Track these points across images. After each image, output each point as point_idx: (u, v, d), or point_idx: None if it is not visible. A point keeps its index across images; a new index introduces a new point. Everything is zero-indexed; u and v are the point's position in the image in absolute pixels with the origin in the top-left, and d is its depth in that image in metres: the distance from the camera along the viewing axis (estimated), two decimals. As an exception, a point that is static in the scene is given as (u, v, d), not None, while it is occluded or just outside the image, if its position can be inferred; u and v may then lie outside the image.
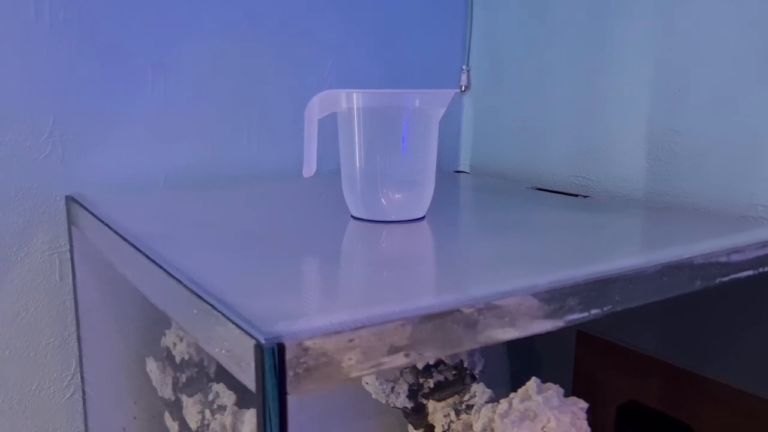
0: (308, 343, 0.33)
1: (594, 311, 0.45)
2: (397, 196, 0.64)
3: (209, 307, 0.38)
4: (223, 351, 0.37)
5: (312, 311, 0.37)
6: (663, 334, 0.79)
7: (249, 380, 0.34)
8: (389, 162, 0.63)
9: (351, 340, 0.35)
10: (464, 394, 0.64)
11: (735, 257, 0.53)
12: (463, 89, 1.07)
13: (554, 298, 0.43)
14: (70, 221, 0.76)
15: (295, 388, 0.33)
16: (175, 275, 0.43)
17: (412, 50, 1.01)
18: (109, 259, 0.63)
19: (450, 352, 0.39)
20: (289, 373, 0.33)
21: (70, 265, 0.78)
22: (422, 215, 0.65)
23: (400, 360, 0.37)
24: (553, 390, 0.54)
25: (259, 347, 0.32)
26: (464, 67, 1.07)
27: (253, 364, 0.33)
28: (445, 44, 1.05)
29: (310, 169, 0.62)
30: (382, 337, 0.36)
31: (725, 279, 0.53)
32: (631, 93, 0.81)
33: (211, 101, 0.85)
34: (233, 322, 0.35)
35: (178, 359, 0.68)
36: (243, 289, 0.42)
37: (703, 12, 0.73)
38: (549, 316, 0.43)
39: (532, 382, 0.55)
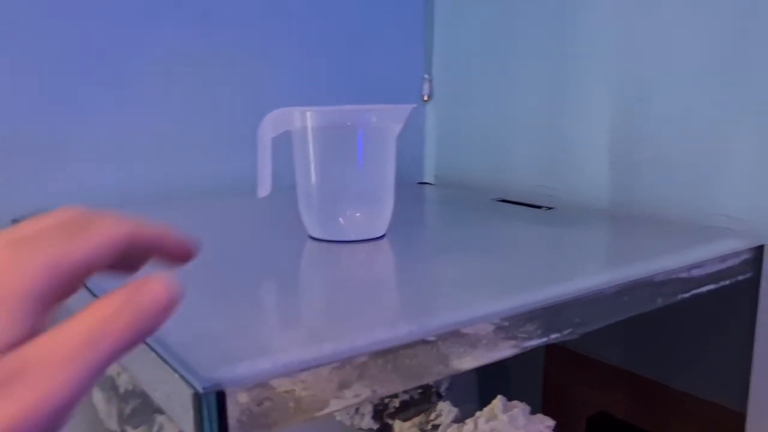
0: (253, 388, 0.31)
1: (553, 336, 0.44)
2: (355, 215, 0.62)
3: (146, 346, 0.36)
4: (163, 395, 0.35)
5: (258, 351, 0.36)
6: (631, 346, 0.79)
7: (188, 428, 0.32)
8: (346, 180, 0.61)
9: (303, 381, 0.33)
10: (430, 413, 0.62)
11: (695, 272, 0.53)
12: (425, 99, 1.06)
13: (512, 324, 0.42)
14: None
15: (237, 437, 0.31)
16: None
17: (373, 60, 1.00)
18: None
19: (408, 386, 0.37)
20: (231, 422, 0.31)
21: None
22: (382, 233, 0.63)
23: (352, 399, 0.35)
24: (519, 408, 0.53)
25: (197, 396, 0.30)
26: (426, 77, 1.05)
27: (191, 414, 0.31)
28: (407, 53, 1.03)
29: (264, 189, 0.60)
30: (332, 378, 0.34)
31: (686, 295, 0.52)
32: (594, 103, 0.80)
33: (165, 118, 0.83)
34: (171, 366, 0.33)
35: (122, 390, 0.65)
36: (185, 325, 0.40)
37: (665, 22, 0.73)
38: (508, 343, 0.42)
39: (498, 401, 0.54)
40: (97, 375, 0.20)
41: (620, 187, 0.79)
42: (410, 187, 0.95)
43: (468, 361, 0.40)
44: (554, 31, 0.85)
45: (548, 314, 0.43)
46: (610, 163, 0.79)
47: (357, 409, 0.69)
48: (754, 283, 0.59)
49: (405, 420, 0.67)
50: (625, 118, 0.77)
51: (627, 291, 0.48)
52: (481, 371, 0.90)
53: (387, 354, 0.36)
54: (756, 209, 0.66)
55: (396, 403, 0.68)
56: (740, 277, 0.57)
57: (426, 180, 1.05)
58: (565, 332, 0.44)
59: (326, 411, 0.34)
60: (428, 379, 0.38)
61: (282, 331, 0.41)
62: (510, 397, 0.77)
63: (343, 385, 0.35)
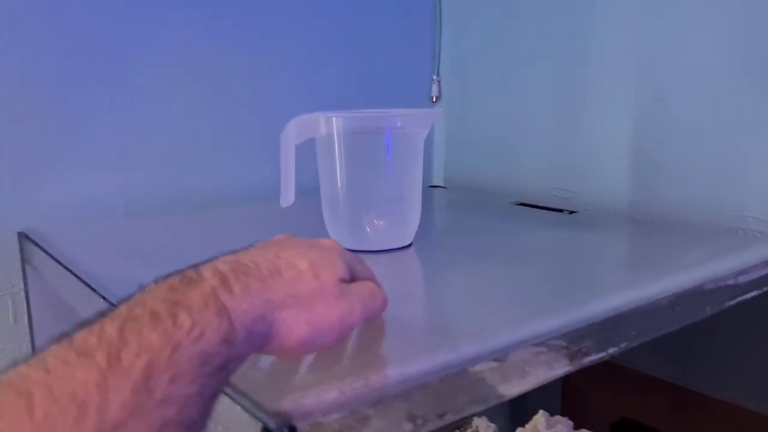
0: (322, 420, 0.29)
1: (611, 350, 0.42)
2: (382, 223, 0.60)
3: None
4: (221, 429, 0.32)
5: (314, 380, 0.33)
6: (654, 350, 0.78)
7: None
8: (373, 188, 0.59)
9: (367, 414, 0.31)
10: (466, 429, 0.60)
11: (741, 279, 0.52)
12: (434, 100, 1.04)
13: (570, 342, 0.40)
14: (24, 259, 0.70)
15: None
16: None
17: (382, 62, 0.97)
18: (67, 301, 0.57)
19: (471, 411, 0.35)
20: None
21: (25, 305, 0.72)
22: (409, 242, 0.62)
23: (422, 428, 0.33)
24: (563, 424, 0.52)
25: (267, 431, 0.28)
26: (434, 77, 1.03)
27: (259, 450, 0.29)
28: (415, 54, 1.01)
29: (288, 198, 0.58)
30: (400, 406, 0.32)
31: (732, 302, 0.51)
32: (613, 104, 0.79)
33: (172, 125, 0.80)
34: (233, 400, 0.31)
35: None
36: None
37: (684, 21, 0.72)
38: (566, 362, 0.40)
39: (541, 417, 0.52)
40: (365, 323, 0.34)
41: (640, 189, 0.77)
42: (423, 191, 0.93)
43: (528, 382, 0.38)
44: (569, 31, 0.83)
45: (605, 328, 0.41)
46: (630, 165, 0.78)
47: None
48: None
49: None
50: (645, 119, 0.76)
51: (680, 301, 0.46)
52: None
53: (452, 379, 0.34)
54: (786, 211, 0.65)
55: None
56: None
57: (435, 183, 1.03)
58: (622, 345, 0.43)
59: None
60: (492, 402, 0.36)
61: (331, 356, 0.38)
62: (530, 403, 0.75)
63: (410, 417, 0.33)
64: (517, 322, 0.41)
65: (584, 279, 0.50)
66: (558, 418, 0.52)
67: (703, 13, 0.70)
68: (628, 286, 0.47)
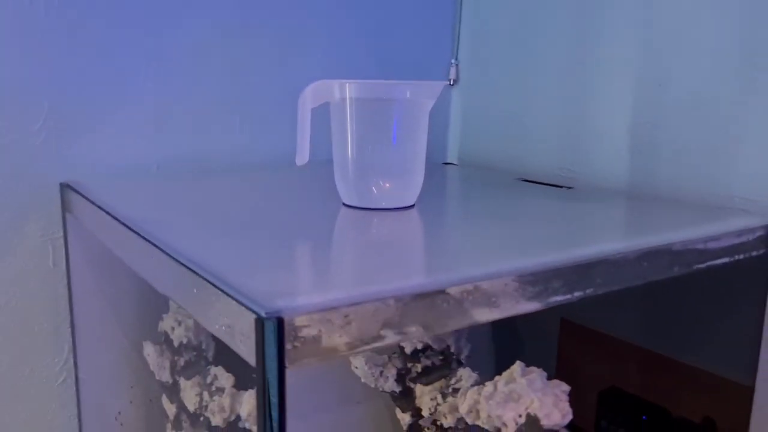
0: (305, 318, 0.35)
1: (577, 293, 0.47)
2: (387, 184, 0.65)
3: (209, 284, 0.40)
4: (223, 327, 0.38)
5: (308, 289, 0.39)
6: (643, 322, 0.82)
7: (249, 354, 0.35)
8: (380, 151, 0.65)
9: (346, 316, 0.36)
10: (451, 378, 0.66)
11: (712, 245, 0.56)
12: (452, 83, 1.09)
13: (539, 280, 0.45)
14: (65, 208, 0.77)
15: (292, 361, 0.35)
16: (174, 256, 0.45)
17: (402, 43, 1.03)
18: (106, 244, 0.64)
19: (439, 331, 0.41)
20: (287, 347, 0.34)
21: (63, 251, 0.79)
22: (412, 203, 0.67)
23: (390, 338, 0.38)
24: (537, 373, 0.56)
25: (259, 321, 0.34)
26: (453, 61, 1.08)
27: (253, 338, 0.34)
28: (435, 38, 1.06)
29: (303, 157, 0.64)
30: (376, 314, 0.38)
31: (702, 265, 0.55)
32: (615, 87, 0.83)
33: (202, 91, 0.86)
34: (233, 298, 0.36)
35: (176, 343, 0.69)
36: (241, 268, 0.44)
37: (685, 6, 0.75)
38: (533, 297, 0.45)
39: (517, 366, 0.57)
40: None
41: (638, 170, 0.81)
42: (435, 167, 0.99)
43: (496, 312, 0.43)
44: (578, 18, 0.87)
45: (573, 272, 0.46)
46: (629, 147, 0.82)
47: (381, 372, 0.72)
48: (766, 260, 0.62)
49: (426, 384, 0.70)
50: (644, 102, 0.80)
51: (647, 257, 0.51)
52: (499, 343, 0.94)
53: (425, 297, 0.40)
54: (771, 192, 0.69)
55: (418, 368, 0.72)
56: (754, 253, 0.60)
57: (450, 161, 1.09)
58: (588, 291, 0.47)
59: (371, 346, 0.38)
60: (460, 325, 0.41)
61: (327, 274, 0.44)
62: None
63: (384, 325, 0.38)
64: (495, 262, 0.46)
65: (566, 237, 0.55)
66: (533, 368, 0.56)
67: (703, 1, 0.74)
68: (600, 241, 0.52)
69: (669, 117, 0.78)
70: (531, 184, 0.83)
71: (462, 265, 0.46)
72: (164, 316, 0.74)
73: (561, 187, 0.81)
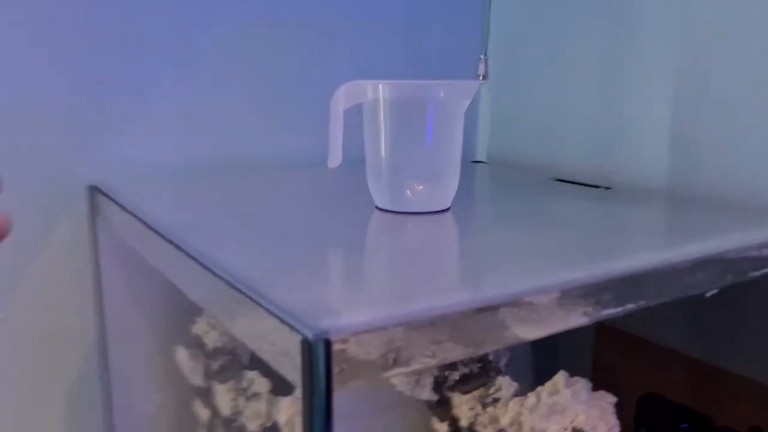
0: (353, 339, 0.33)
1: (629, 306, 0.45)
2: (421, 187, 0.64)
3: (248, 299, 0.38)
4: (266, 345, 0.37)
5: (351, 306, 0.37)
6: (682, 327, 0.79)
7: (293, 374, 0.34)
8: (414, 154, 0.63)
9: (393, 337, 0.35)
10: (490, 387, 0.64)
11: (766, 251, 0.53)
12: (481, 78, 1.06)
13: (589, 293, 0.43)
14: (94, 211, 0.76)
15: (340, 384, 0.33)
16: (211, 268, 0.43)
17: (430, 38, 1.00)
18: (135, 249, 0.63)
19: (487, 349, 0.39)
20: (335, 370, 0.33)
21: (93, 254, 0.78)
22: (447, 207, 0.65)
23: (438, 357, 0.37)
24: (581, 384, 0.54)
25: (306, 343, 0.32)
26: (482, 57, 1.06)
27: (299, 359, 0.33)
28: (464, 33, 1.04)
29: (335, 159, 0.62)
30: (422, 333, 0.36)
31: (756, 273, 0.53)
32: (653, 82, 0.80)
33: (230, 91, 0.85)
34: (278, 317, 0.35)
35: (210, 347, 0.68)
36: (279, 280, 0.42)
37: (730, 1, 0.72)
38: (583, 312, 0.43)
39: (560, 376, 0.55)
40: None
41: (679, 169, 0.79)
42: (465, 166, 0.96)
43: (545, 328, 0.41)
44: (613, 13, 0.85)
45: (624, 285, 0.44)
46: (669, 145, 0.79)
47: (418, 380, 0.70)
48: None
49: (464, 393, 0.68)
50: (685, 98, 0.77)
51: (701, 266, 0.48)
52: (535, 349, 0.92)
53: (475, 315, 0.38)
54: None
55: (456, 376, 0.70)
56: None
57: (479, 159, 1.06)
58: (640, 303, 0.45)
59: (419, 367, 0.36)
60: (508, 343, 0.40)
61: (367, 289, 0.43)
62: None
63: (433, 344, 0.37)
64: (540, 273, 0.44)
65: (611, 243, 0.53)
66: (577, 378, 0.54)
67: (750, -4, 0.71)
68: (651, 249, 0.49)
69: (711, 114, 0.75)
70: (566, 184, 0.81)
71: (508, 278, 0.44)
72: (197, 319, 0.73)
73: (598, 187, 0.79)
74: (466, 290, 0.41)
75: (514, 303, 0.39)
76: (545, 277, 0.42)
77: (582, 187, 0.79)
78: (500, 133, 1.04)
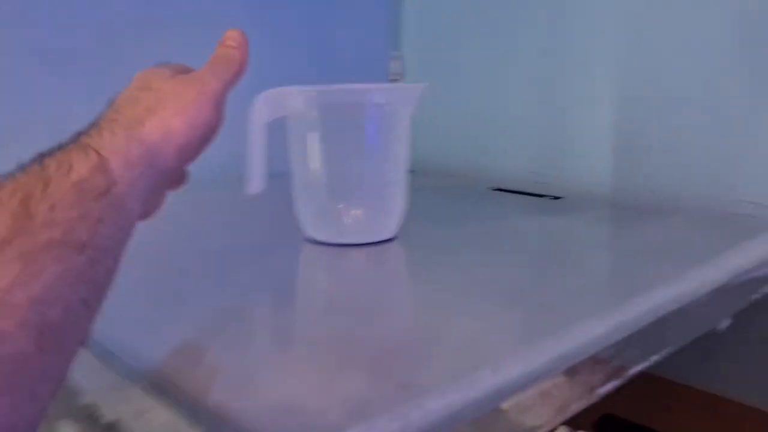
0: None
1: (653, 357, 0.37)
2: (361, 213, 0.53)
3: (150, 399, 0.26)
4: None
5: (344, 418, 0.26)
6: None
7: None
8: (353, 173, 0.52)
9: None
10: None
11: (766, 270, 0.47)
12: (395, 78, 0.97)
13: (614, 354, 0.34)
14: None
15: None
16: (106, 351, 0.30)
17: (337, 36, 0.89)
18: None
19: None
20: None
21: None
22: (393, 234, 0.54)
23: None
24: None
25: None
26: (395, 53, 0.96)
27: None
28: (373, 27, 0.94)
29: (256, 184, 0.49)
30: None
31: (758, 295, 0.47)
32: (596, 83, 0.74)
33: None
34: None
35: (103, 421, 0.53)
36: (186, 367, 0.30)
37: (675, -8, 0.67)
38: (609, 376, 0.34)
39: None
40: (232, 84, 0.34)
41: (627, 173, 0.73)
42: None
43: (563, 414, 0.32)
44: (551, 7, 0.78)
45: (646, 335, 0.36)
46: (614, 149, 0.73)
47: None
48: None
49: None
50: (631, 99, 0.71)
51: (720, 294, 0.41)
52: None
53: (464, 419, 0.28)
54: (785, 195, 0.62)
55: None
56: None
57: (400, 168, 0.96)
58: (663, 351, 0.37)
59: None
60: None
61: (323, 385, 0.31)
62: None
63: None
64: (541, 335, 0.33)
65: (599, 275, 0.45)
66: None
67: (696, -16, 0.66)
68: (657, 282, 0.41)
69: (662, 114, 0.69)
70: (509, 194, 0.73)
71: (497, 355, 0.33)
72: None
73: (543, 196, 0.71)
74: (462, 383, 0.29)
75: (518, 405, 0.29)
76: (545, 349, 0.32)
77: (527, 197, 0.71)
78: (423, 137, 0.95)
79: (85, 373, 0.31)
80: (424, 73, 0.94)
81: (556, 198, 0.70)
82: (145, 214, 0.31)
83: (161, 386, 0.29)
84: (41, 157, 0.25)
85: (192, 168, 0.47)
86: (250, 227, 0.61)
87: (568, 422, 0.32)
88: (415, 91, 0.53)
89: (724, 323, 0.42)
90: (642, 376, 0.66)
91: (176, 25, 0.74)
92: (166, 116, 0.29)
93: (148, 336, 0.33)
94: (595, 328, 0.34)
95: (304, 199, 0.53)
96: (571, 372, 0.31)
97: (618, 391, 0.38)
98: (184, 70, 0.33)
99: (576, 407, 0.32)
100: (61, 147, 0.26)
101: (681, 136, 0.68)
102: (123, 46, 0.70)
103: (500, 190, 0.75)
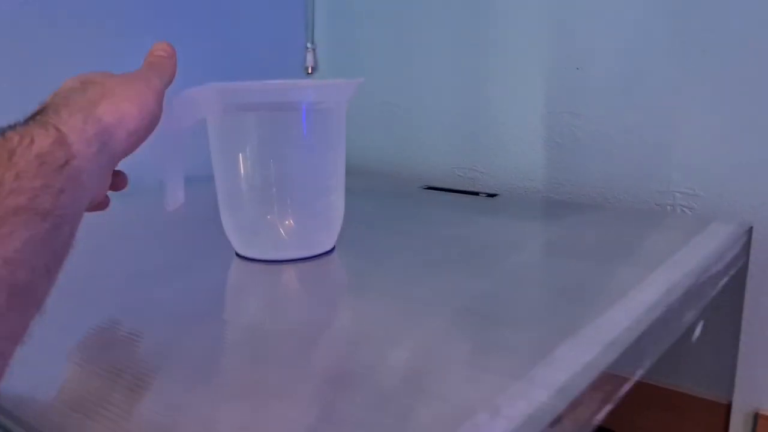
0: None
1: (638, 372, 0.34)
2: (298, 224, 0.47)
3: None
4: None
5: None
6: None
7: None
8: (286, 179, 0.46)
9: None
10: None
11: (720, 265, 0.46)
12: (309, 71, 0.91)
13: (609, 380, 0.31)
14: None
15: None
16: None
17: (249, 29, 0.83)
18: None
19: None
20: None
21: None
22: (332, 246, 0.49)
23: None
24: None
25: None
26: (309, 46, 0.90)
27: None
28: (285, 19, 0.88)
29: (175, 199, 0.43)
30: None
31: (714, 293, 0.45)
32: (522, 71, 0.72)
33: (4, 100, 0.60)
34: None
35: None
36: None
37: (601, -20, 0.66)
38: (604, 401, 0.31)
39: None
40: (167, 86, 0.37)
41: (556, 166, 0.71)
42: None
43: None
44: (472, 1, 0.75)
45: (632, 351, 0.33)
46: (545, 140, 0.72)
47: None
48: (745, 270, 0.54)
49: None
50: (561, 88, 0.70)
51: (691, 297, 0.39)
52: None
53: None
54: (716, 184, 0.62)
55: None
56: (740, 263, 0.52)
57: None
58: (647, 364, 0.35)
59: None
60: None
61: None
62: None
63: None
64: (522, 376, 0.29)
65: (558, 283, 0.42)
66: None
67: (622, -27, 0.65)
68: (627, 289, 0.39)
69: (592, 104, 0.68)
70: (442, 192, 0.69)
71: (478, 384, 0.29)
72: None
73: (478, 194, 0.68)
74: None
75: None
76: (536, 383, 0.29)
77: (462, 195, 0.68)
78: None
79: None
80: (339, 66, 0.89)
81: (491, 195, 0.67)
82: (94, 200, 0.31)
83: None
84: (2, 131, 0.26)
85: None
86: (173, 241, 0.54)
87: None
88: (350, 87, 0.48)
89: (698, 330, 0.40)
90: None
91: (74, 25, 0.64)
92: (118, 101, 0.31)
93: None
94: (584, 353, 0.30)
95: (230, 211, 0.47)
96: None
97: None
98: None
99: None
100: (19, 124, 0.27)
101: (610, 127, 0.67)
102: (19, 45, 0.60)
103: (432, 188, 0.71)
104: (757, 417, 0.61)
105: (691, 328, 0.41)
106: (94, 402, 0.27)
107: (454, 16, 0.76)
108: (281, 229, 0.47)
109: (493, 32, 0.73)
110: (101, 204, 0.36)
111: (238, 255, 0.48)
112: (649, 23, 0.64)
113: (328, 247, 0.49)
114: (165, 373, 0.30)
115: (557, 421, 0.25)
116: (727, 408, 0.58)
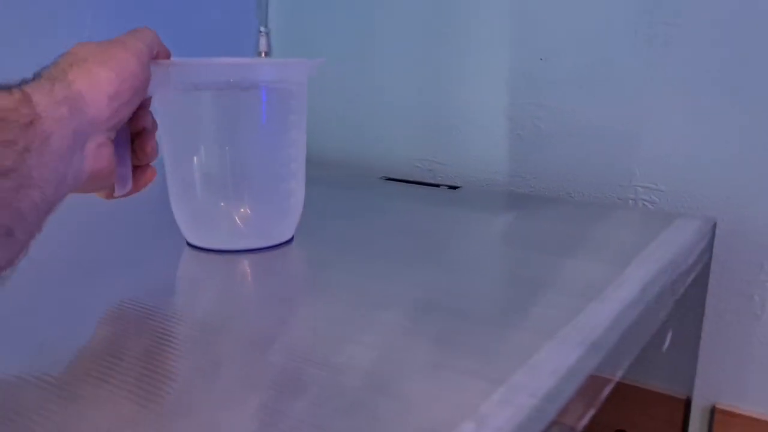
0: None
1: (619, 373, 0.32)
2: (254, 213, 0.44)
3: None
4: None
5: None
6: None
7: None
8: (241, 163, 0.43)
9: None
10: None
11: (690, 260, 0.45)
12: (262, 57, 0.87)
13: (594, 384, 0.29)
14: None
15: None
16: None
17: (197, 10, 0.78)
18: None
19: None
20: None
21: None
22: (291, 236, 0.46)
23: None
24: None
25: None
26: (262, 29, 0.87)
27: None
28: (239, 2, 0.84)
29: (124, 185, 0.39)
30: None
31: (682, 288, 0.45)
32: (485, 61, 0.70)
33: None
34: None
35: None
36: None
37: (567, -31, 0.64)
38: (588, 405, 0.29)
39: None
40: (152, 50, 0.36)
41: (518, 158, 0.70)
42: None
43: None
44: (434, -22, 0.72)
45: (614, 352, 0.31)
46: (507, 132, 0.70)
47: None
48: (708, 266, 0.54)
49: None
50: (523, 80, 0.68)
51: (665, 294, 0.38)
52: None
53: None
54: (678, 178, 0.62)
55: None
56: (705, 259, 0.51)
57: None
58: (625, 363, 0.33)
59: None
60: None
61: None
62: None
63: None
64: (498, 379, 0.27)
65: (525, 277, 0.40)
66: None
67: (589, -38, 0.63)
68: (604, 284, 0.37)
69: (555, 95, 0.67)
70: (403, 184, 0.67)
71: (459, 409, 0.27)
72: None
73: (438, 186, 0.66)
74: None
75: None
76: (516, 386, 0.26)
77: (424, 187, 0.66)
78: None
79: None
80: (295, 52, 0.85)
81: (453, 188, 0.65)
82: (92, 174, 0.31)
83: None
84: None
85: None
86: (117, 230, 0.50)
87: None
88: (311, 67, 0.45)
89: (668, 339, 0.39)
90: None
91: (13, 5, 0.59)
92: (90, 67, 0.31)
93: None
94: (567, 352, 0.29)
95: (183, 199, 0.44)
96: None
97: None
98: None
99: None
100: None
101: (574, 119, 0.66)
102: None
103: (392, 179, 0.69)
104: (713, 411, 0.61)
105: (662, 329, 0.40)
106: (18, 412, 0.24)
107: (416, 3, 0.74)
108: (236, 218, 0.44)
109: (456, 21, 0.71)
110: (124, 184, 0.36)
111: (189, 245, 0.44)
112: (613, 15, 0.63)
113: (286, 237, 0.46)
114: (101, 380, 0.27)
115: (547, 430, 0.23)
116: (687, 402, 0.58)
